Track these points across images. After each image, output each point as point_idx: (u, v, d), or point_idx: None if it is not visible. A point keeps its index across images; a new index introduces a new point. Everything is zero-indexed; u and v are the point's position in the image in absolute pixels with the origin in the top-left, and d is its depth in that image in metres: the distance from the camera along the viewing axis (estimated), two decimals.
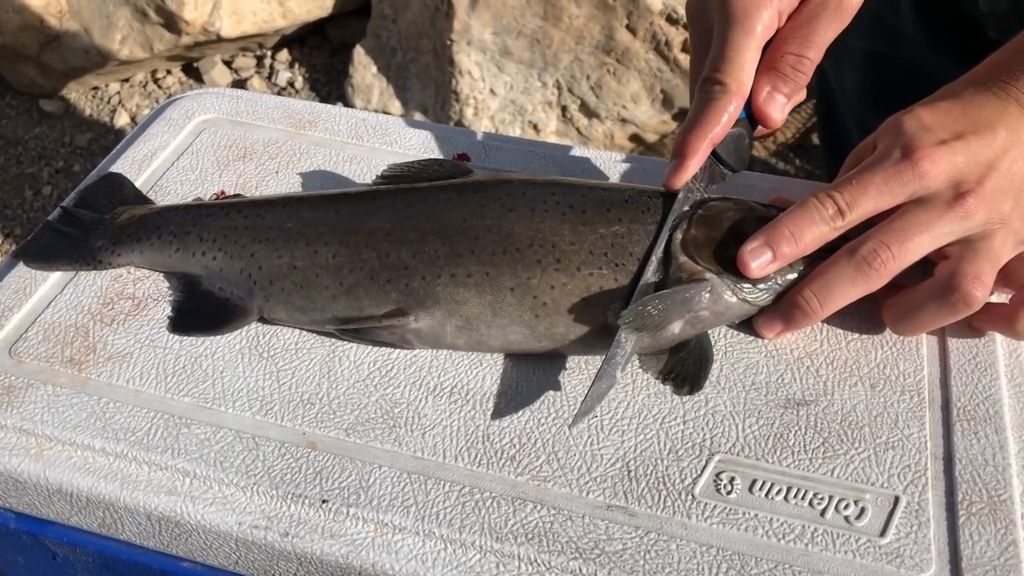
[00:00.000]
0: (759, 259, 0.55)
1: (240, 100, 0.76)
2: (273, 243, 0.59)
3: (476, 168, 0.70)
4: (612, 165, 0.71)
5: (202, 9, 2.11)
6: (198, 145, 0.72)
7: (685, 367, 0.55)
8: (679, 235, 0.57)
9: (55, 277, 0.61)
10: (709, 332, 0.57)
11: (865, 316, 0.59)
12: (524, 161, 0.71)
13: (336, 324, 0.57)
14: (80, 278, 0.61)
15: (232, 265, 0.59)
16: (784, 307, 0.56)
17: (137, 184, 0.68)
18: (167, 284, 0.61)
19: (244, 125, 0.74)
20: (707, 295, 0.55)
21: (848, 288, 0.54)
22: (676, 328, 0.55)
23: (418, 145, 0.72)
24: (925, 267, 0.56)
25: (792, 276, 0.56)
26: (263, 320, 0.59)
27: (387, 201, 0.60)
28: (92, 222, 0.63)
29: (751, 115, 0.60)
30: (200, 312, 0.59)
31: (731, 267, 0.56)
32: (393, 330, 0.56)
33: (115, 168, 0.69)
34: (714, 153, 0.59)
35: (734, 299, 0.56)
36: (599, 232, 0.57)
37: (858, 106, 0.95)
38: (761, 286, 0.56)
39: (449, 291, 0.56)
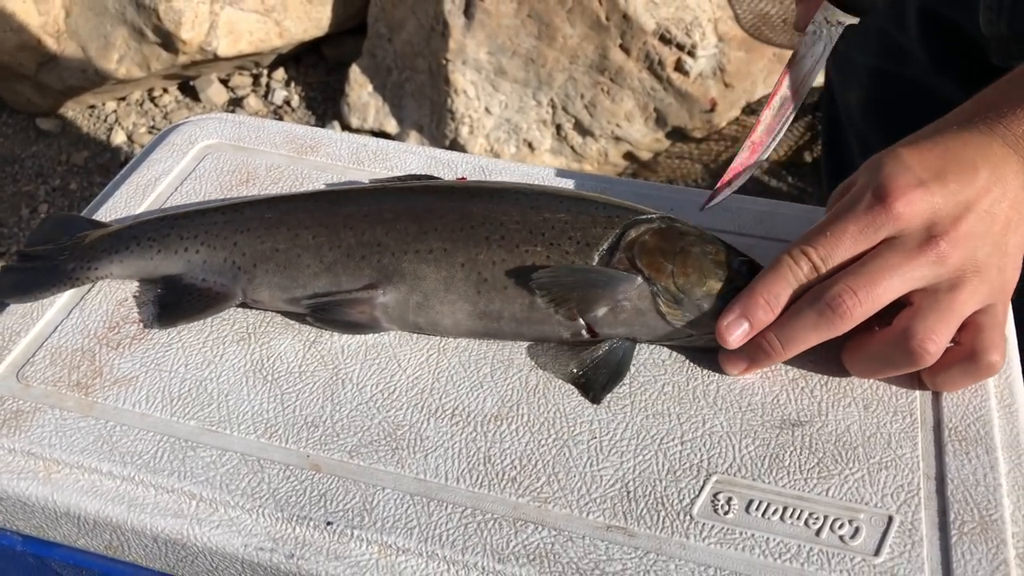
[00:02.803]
0: (736, 332, 0.56)
1: (242, 125, 0.77)
2: (255, 231, 0.62)
3: None
4: (609, 187, 0.72)
5: (199, 29, 2.12)
6: (201, 170, 0.73)
7: (597, 375, 0.57)
8: (632, 233, 0.59)
9: (62, 301, 0.62)
10: (636, 350, 0.59)
11: None
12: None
13: (314, 299, 0.59)
14: (86, 302, 0.62)
15: (215, 255, 0.62)
16: (748, 346, 0.57)
17: (140, 209, 0.69)
18: (151, 291, 0.63)
19: (246, 150, 0.75)
20: (633, 290, 0.57)
21: (810, 333, 0.54)
22: (600, 312, 0.57)
23: (418, 169, 0.73)
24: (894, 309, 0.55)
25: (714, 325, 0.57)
26: (243, 305, 0.61)
27: (366, 192, 0.64)
28: (55, 251, 0.64)
29: None
30: (183, 302, 0.61)
31: (662, 278, 0.57)
32: (362, 306, 0.59)
33: (119, 193, 0.70)
34: None
35: (653, 308, 0.57)
36: (543, 216, 0.59)
37: (861, 121, 0.96)
38: (678, 309, 0.57)
39: (413, 266, 0.59)
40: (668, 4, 2.05)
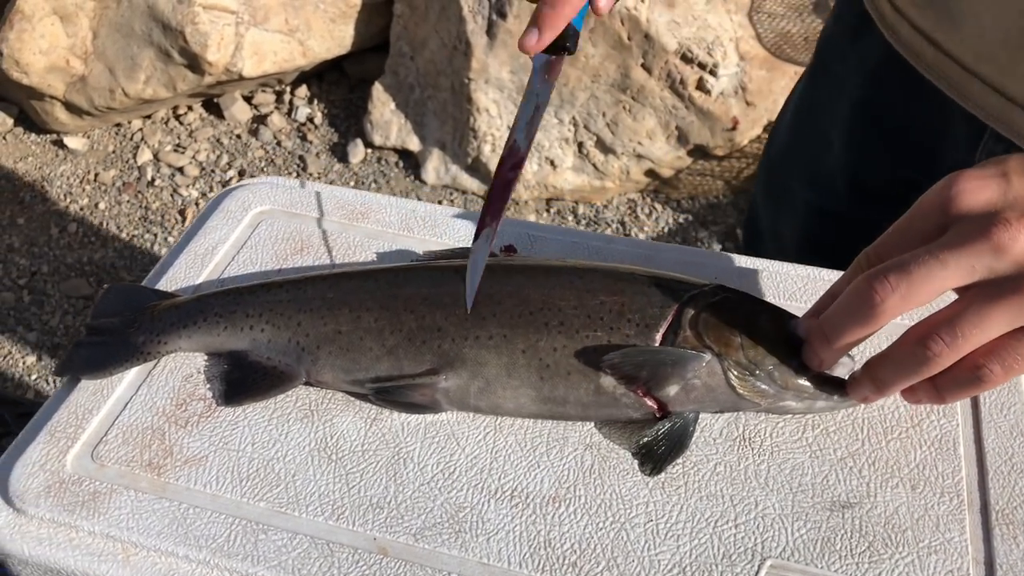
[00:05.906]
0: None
1: (293, 191, 0.79)
2: (318, 312, 0.63)
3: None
4: (655, 254, 0.74)
5: (225, 50, 2.14)
6: (256, 238, 0.75)
7: (657, 447, 0.58)
8: (691, 310, 0.60)
9: (130, 377, 0.64)
10: (696, 425, 0.60)
11: (904, 414, 0.62)
12: (568, 252, 0.74)
13: (377, 384, 0.60)
14: (153, 378, 0.64)
15: (280, 335, 0.63)
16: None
17: (200, 279, 0.71)
18: (217, 366, 0.65)
19: (299, 216, 0.77)
20: (703, 367, 0.58)
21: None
22: (672, 391, 0.58)
23: (467, 236, 0.75)
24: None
25: (784, 392, 0.58)
26: (307, 384, 0.63)
27: (423, 271, 0.66)
28: (122, 324, 0.66)
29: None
30: (249, 380, 0.63)
31: (732, 352, 0.58)
32: (424, 390, 0.60)
33: (179, 263, 0.72)
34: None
35: (723, 382, 0.58)
36: (600, 299, 0.61)
37: (795, 255, 0.87)
38: (750, 380, 0.58)
39: (474, 352, 0.60)
40: (690, 24, 2.06)
